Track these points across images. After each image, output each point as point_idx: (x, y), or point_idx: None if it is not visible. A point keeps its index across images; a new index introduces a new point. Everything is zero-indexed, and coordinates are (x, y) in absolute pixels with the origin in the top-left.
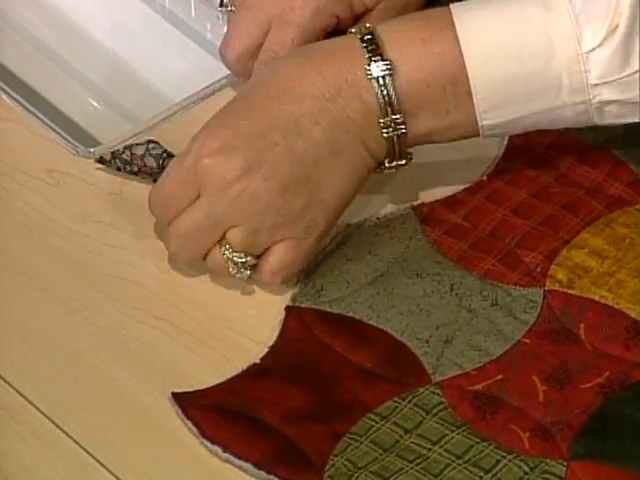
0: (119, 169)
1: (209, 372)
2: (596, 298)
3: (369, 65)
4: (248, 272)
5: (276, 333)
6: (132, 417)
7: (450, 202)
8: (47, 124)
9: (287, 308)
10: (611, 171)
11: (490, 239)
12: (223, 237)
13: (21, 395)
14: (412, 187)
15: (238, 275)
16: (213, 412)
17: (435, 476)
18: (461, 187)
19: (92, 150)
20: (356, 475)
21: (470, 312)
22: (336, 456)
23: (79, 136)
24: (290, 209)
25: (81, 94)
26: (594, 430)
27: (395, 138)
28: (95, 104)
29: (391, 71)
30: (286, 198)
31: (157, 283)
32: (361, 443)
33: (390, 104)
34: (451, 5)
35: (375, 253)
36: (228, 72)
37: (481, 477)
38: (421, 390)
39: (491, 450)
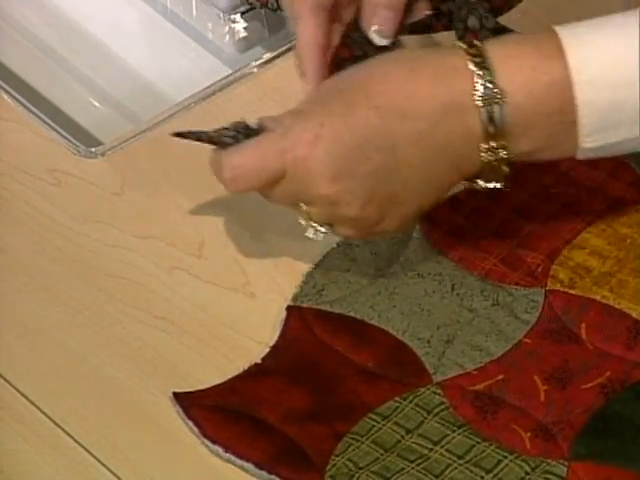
0: (200, 139)
1: (210, 372)
2: (597, 298)
3: (479, 90)
4: (326, 231)
5: (277, 333)
6: (133, 417)
7: (451, 202)
8: (48, 124)
9: (288, 308)
10: (613, 171)
11: (491, 239)
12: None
13: (22, 394)
14: None
15: (319, 235)
16: (214, 412)
17: (436, 476)
18: (462, 187)
19: (93, 150)
20: (357, 475)
21: (471, 312)
22: (337, 456)
23: (80, 136)
24: (367, 218)
25: (82, 94)
26: (595, 430)
27: (494, 161)
28: (96, 104)
29: (500, 98)
30: (367, 209)
31: (158, 283)
32: (362, 443)
33: (495, 131)
34: (558, 30)
35: (376, 253)
36: (229, 72)
37: (482, 477)
38: (422, 390)
39: (492, 450)
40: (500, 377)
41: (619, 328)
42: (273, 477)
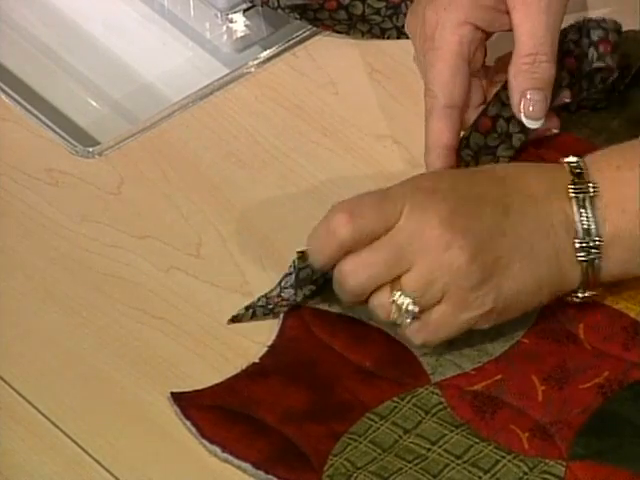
0: (255, 315)
1: (208, 372)
2: (595, 298)
3: (573, 184)
4: (408, 321)
5: (275, 332)
6: (131, 417)
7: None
8: (46, 124)
9: None
10: None
11: None
12: (397, 280)
13: (20, 394)
14: None
15: (398, 320)
16: (212, 412)
17: (434, 476)
18: None
19: (91, 150)
20: (355, 475)
21: None
22: (335, 456)
23: (78, 136)
24: (470, 276)
25: (80, 93)
26: (593, 430)
27: (589, 265)
28: (94, 103)
29: (592, 193)
30: (471, 267)
31: (156, 283)
32: (360, 443)
33: (588, 226)
34: None
35: None
36: (227, 71)
37: (480, 477)
38: (420, 390)
39: (490, 450)
40: (498, 377)
41: (617, 328)
42: (270, 477)
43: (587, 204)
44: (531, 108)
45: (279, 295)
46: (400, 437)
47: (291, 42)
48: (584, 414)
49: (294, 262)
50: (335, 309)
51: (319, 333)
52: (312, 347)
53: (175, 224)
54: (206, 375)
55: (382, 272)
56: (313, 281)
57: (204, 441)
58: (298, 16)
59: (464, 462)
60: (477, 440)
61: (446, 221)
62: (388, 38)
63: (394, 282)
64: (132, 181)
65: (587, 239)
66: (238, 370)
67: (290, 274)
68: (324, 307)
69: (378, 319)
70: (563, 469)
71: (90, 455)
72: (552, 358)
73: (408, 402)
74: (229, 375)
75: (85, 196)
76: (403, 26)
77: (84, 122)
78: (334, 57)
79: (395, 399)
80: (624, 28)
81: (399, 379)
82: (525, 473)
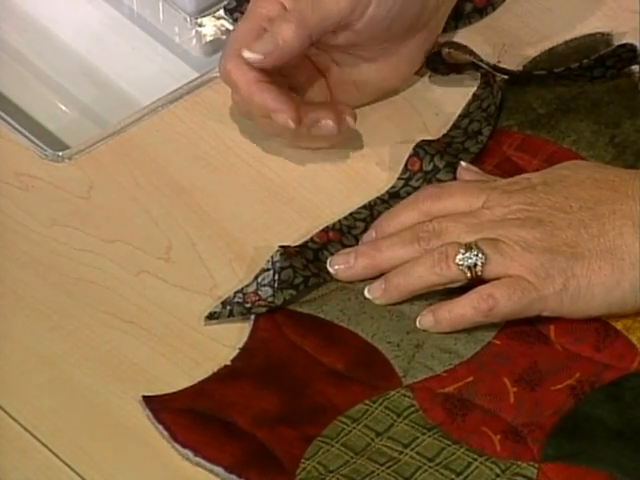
0: (231, 314)
1: (178, 375)
2: None
3: None
4: (474, 261)
5: (247, 333)
6: (102, 421)
7: None
8: (16, 128)
9: None
10: (549, 158)
11: None
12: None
13: None
14: None
15: (466, 263)
16: (184, 415)
17: (406, 479)
18: None
19: (61, 154)
20: (327, 478)
21: None
22: (307, 460)
23: (48, 140)
24: (543, 253)
25: (50, 98)
26: (565, 432)
27: None
28: (64, 108)
29: None
30: (543, 244)
31: (126, 287)
32: (332, 446)
33: None
34: None
35: None
36: (196, 75)
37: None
38: (392, 393)
39: (462, 452)
40: (470, 379)
41: (588, 330)
42: None
43: None
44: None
45: (256, 293)
46: (372, 440)
47: None
48: (556, 416)
49: (272, 257)
50: (305, 309)
51: (290, 334)
52: (284, 349)
53: (145, 228)
54: (176, 378)
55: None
56: (294, 286)
57: (176, 445)
58: None
59: (436, 465)
60: (449, 442)
61: (529, 206)
62: None
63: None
64: (102, 185)
65: None
66: (209, 373)
67: (268, 270)
68: (295, 308)
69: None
70: (535, 471)
71: (61, 459)
72: (523, 360)
73: (380, 405)
74: (200, 378)
75: (55, 200)
76: None
77: (54, 126)
78: None
79: (367, 402)
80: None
81: (371, 382)
82: (497, 475)
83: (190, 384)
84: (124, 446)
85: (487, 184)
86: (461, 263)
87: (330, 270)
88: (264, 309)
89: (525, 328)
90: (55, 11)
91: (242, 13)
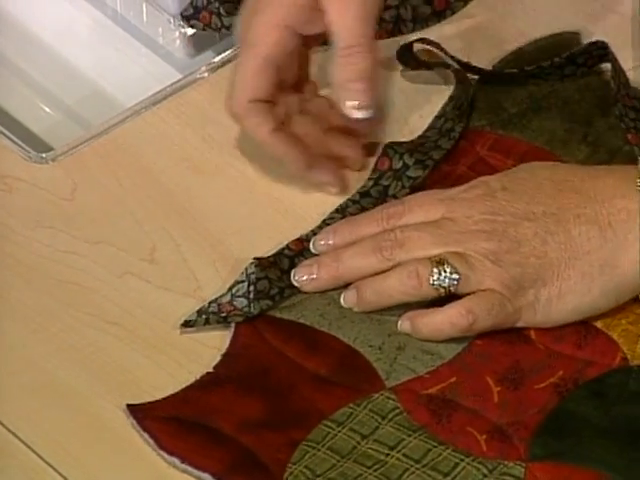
0: (207, 322)
1: (162, 377)
2: None
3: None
4: (448, 282)
5: (228, 339)
6: (86, 422)
7: None
8: None
9: None
10: (523, 156)
11: None
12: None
13: None
14: None
15: (441, 283)
16: (168, 423)
17: None
18: None
19: (44, 155)
20: None
21: None
22: (294, 464)
23: (31, 141)
24: (512, 266)
25: (33, 99)
26: (551, 430)
27: None
28: (47, 109)
29: None
30: (512, 257)
31: (110, 288)
32: (318, 450)
33: None
34: None
35: None
36: (180, 76)
37: None
38: (376, 396)
39: (449, 453)
40: (452, 380)
41: (568, 328)
42: None
43: None
44: (353, 99)
45: (231, 303)
46: (358, 443)
47: None
48: (541, 414)
49: (246, 270)
50: (285, 316)
51: (272, 340)
52: (266, 355)
53: (129, 229)
54: (160, 380)
55: (423, 239)
56: (271, 296)
57: (162, 452)
58: None
59: (423, 466)
60: (435, 444)
61: (492, 215)
62: None
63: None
64: (86, 187)
65: None
66: (192, 374)
67: (242, 282)
68: (274, 314)
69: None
70: (523, 470)
71: (45, 461)
72: (506, 359)
73: (364, 408)
74: (183, 380)
75: (39, 202)
76: None
77: (37, 128)
78: None
79: (351, 405)
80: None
81: (354, 385)
82: (485, 475)
83: (173, 385)
84: (108, 448)
85: (444, 194)
86: (434, 283)
87: (294, 283)
88: (241, 318)
89: (505, 328)
90: (38, 13)
91: (198, 20)
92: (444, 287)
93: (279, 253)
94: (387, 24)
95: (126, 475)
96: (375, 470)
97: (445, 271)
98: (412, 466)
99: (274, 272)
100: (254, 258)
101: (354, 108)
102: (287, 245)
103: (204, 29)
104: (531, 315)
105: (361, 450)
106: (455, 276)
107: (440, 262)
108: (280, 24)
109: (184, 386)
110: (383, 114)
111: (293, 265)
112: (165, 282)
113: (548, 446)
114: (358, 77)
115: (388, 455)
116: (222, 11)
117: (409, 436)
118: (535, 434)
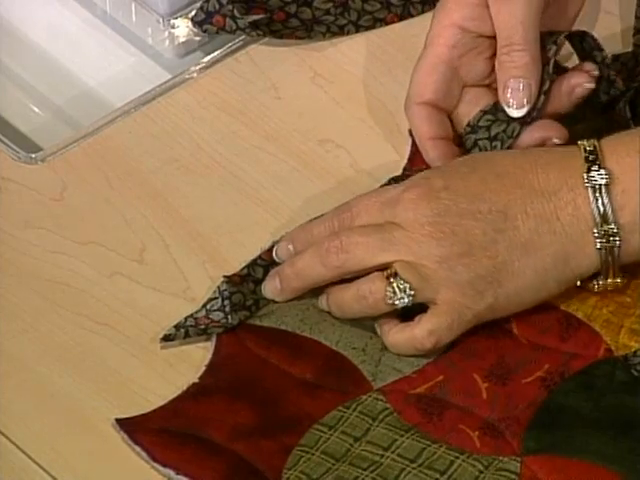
0: (187, 335)
1: (152, 377)
2: None
3: (588, 172)
4: (406, 300)
5: (210, 350)
6: (75, 423)
7: None
8: None
9: None
10: None
11: None
12: (388, 267)
13: None
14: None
15: (396, 301)
16: (160, 435)
17: None
18: None
19: (33, 156)
20: None
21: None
22: (289, 469)
23: (20, 142)
24: (467, 272)
25: (22, 99)
26: (542, 424)
27: (608, 252)
28: (36, 109)
29: (608, 180)
30: (465, 261)
31: (99, 289)
32: (312, 455)
33: (604, 213)
34: None
35: None
36: (169, 77)
37: (437, 479)
38: (364, 397)
39: (443, 452)
40: (440, 378)
41: (550, 321)
42: None
43: (603, 192)
44: (510, 97)
45: (207, 317)
46: (351, 445)
47: (233, 47)
48: (530, 408)
49: (219, 288)
50: (265, 323)
51: (254, 348)
52: (250, 363)
53: (118, 230)
54: (150, 380)
55: (368, 251)
56: (247, 307)
57: (156, 465)
58: (255, 34)
59: (419, 465)
60: (428, 442)
61: (438, 218)
62: (348, 33)
63: (386, 269)
64: (75, 187)
65: (605, 227)
66: (181, 375)
67: (215, 298)
68: (255, 322)
69: (350, 308)
70: (518, 464)
71: (35, 461)
72: (490, 355)
73: (354, 410)
74: (172, 380)
75: (28, 202)
76: (359, 19)
77: (26, 128)
78: (276, 62)
79: (340, 408)
80: None
81: (341, 388)
82: (481, 472)
83: (163, 385)
84: (98, 448)
85: (386, 195)
86: (389, 302)
87: (265, 296)
88: (220, 329)
89: (487, 323)
90: (28, 13)
91: (212, 24)
92: (401, 303)
93: (253, 263)
94: (396, 8)
95: (116, 475)
96: (372, 471)
97: (399, 287)
98: (408, 466)
99: (246, 287)
100: (224, 276)
101: (510, 106)
102: (259, 255)
103: (217, 32)
104: (490, 314)
105: (355, 452)
106: (410, 292)
107: (393, 275)
108: (454, 23)
109: (173, 389)
110: (540, 114)
111: (267, 274)
112: (154, 282)
113: (541, 439)
114: (516, 75)
115: (383, 456)
116: (236, 13)
117: (401, 436)
118: (527, 428)
